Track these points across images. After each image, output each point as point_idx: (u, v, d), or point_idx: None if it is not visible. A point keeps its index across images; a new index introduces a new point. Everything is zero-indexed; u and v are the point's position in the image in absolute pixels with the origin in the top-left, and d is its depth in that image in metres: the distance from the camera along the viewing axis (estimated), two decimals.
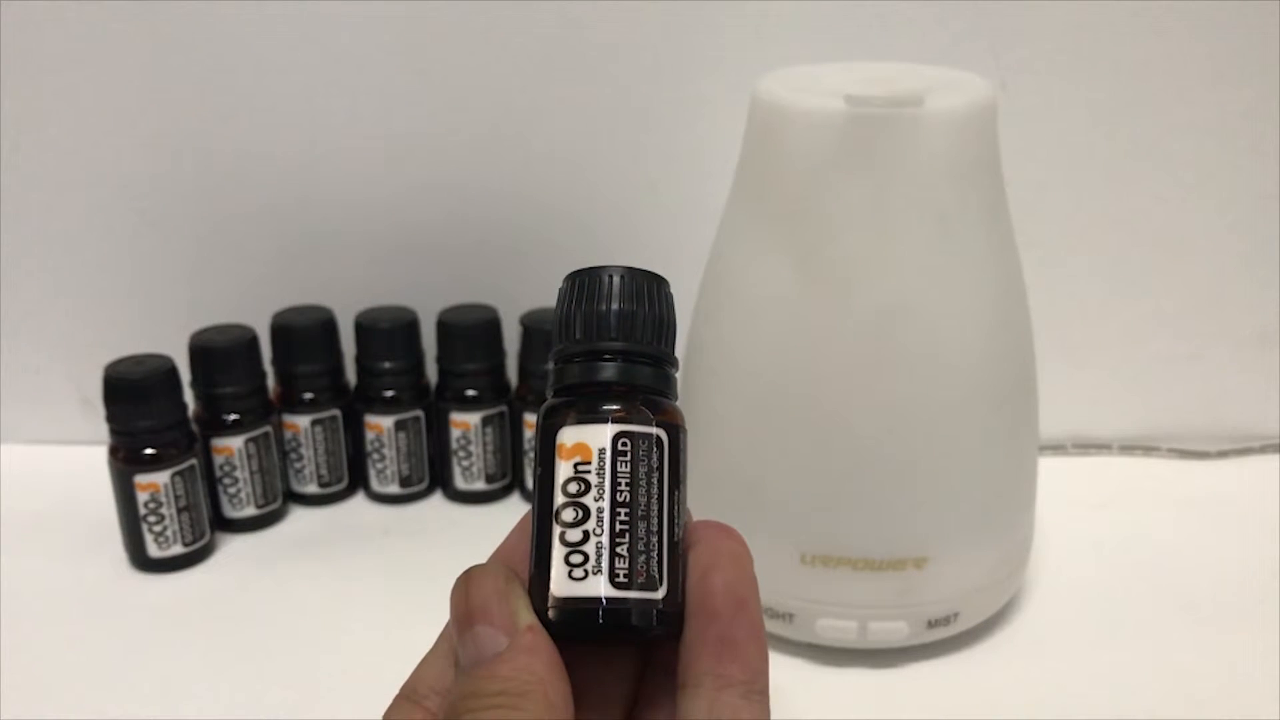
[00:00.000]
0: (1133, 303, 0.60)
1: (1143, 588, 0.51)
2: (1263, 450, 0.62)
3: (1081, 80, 0.56)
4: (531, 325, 0.55)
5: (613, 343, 0.27)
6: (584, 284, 0.28)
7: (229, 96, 0.57)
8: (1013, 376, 0.44)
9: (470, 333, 0.55)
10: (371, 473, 0.58)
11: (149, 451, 0.50)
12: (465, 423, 0.56)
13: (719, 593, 0.26)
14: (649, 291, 0.28)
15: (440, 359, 0.56)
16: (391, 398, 0.56)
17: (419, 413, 0.57)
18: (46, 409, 0.63)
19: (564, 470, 0.26)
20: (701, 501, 0.46)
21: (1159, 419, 0.62)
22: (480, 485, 0.58)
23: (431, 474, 0.59)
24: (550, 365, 0.28)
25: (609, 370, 0.27)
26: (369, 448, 0.57)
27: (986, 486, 0.44)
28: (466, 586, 0.27)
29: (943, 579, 0.44)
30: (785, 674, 0.45)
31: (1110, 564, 0.53)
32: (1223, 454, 0.61)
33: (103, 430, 0.51)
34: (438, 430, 0.57)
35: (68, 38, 0.56)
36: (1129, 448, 0.62)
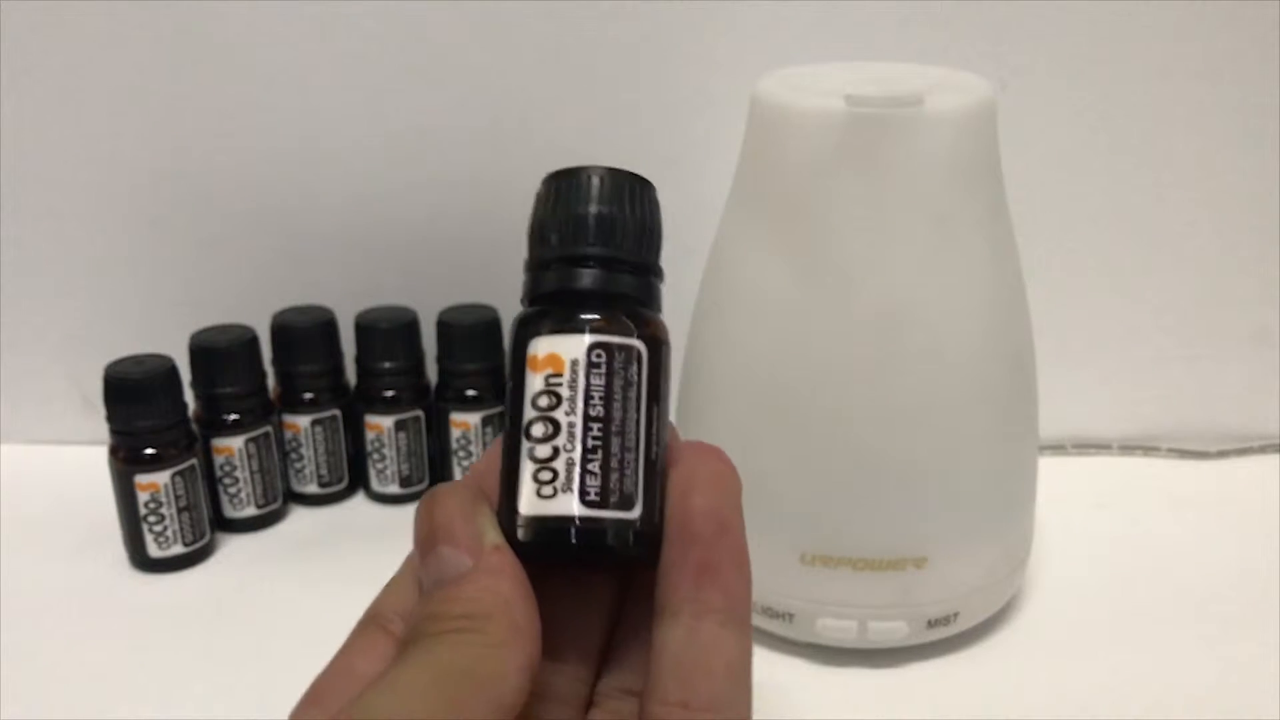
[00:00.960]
0: (1133, 303, 0.60)
1: (1142, 588, 0.51)
2: (1263, 450, 0.62)
3: (1081, 80, 0.56)
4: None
5: (592, 248, 0.26)
6: (562, 185, 0.26)
7: (229, 96, 0.57)
8: (1013, 376, 0.44)
9: (470, 333, 0.55)
10: (371, 473, 0.58)
11: (149, 451, 0.50)
12: (465, 423, 0.56)
13: (699, 515, 0.25)
14: (632, 193, 0.26)
15: (440, 359, 0.56)
16: (391, 398, 0.56)
17: (419, 413, 0.57)
18: (46, 409, 0.63)
19: (535, 383, 0.25)
20: None
21: (1159, 419, 0.62)
22: None
23: (432, 474, 0.59)
24: (525, 273, 0.27)
25: (587, 278, 0.26)
26: (369, 448, 0.57)
27: (986, 486, 0.44)
28: (430, 505, 0.26)
29: (943, 579, 0.44)
30: (785, 674, 0.45)
31: (1110, 564, 0.53)
32: (1223, 454, 0.61)
33: (103, 430, 0.51)
34: (438, 430, 0.57)
35: (68, 38, 0.56)
36: (1129, 448, 0.62)
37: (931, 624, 0.44)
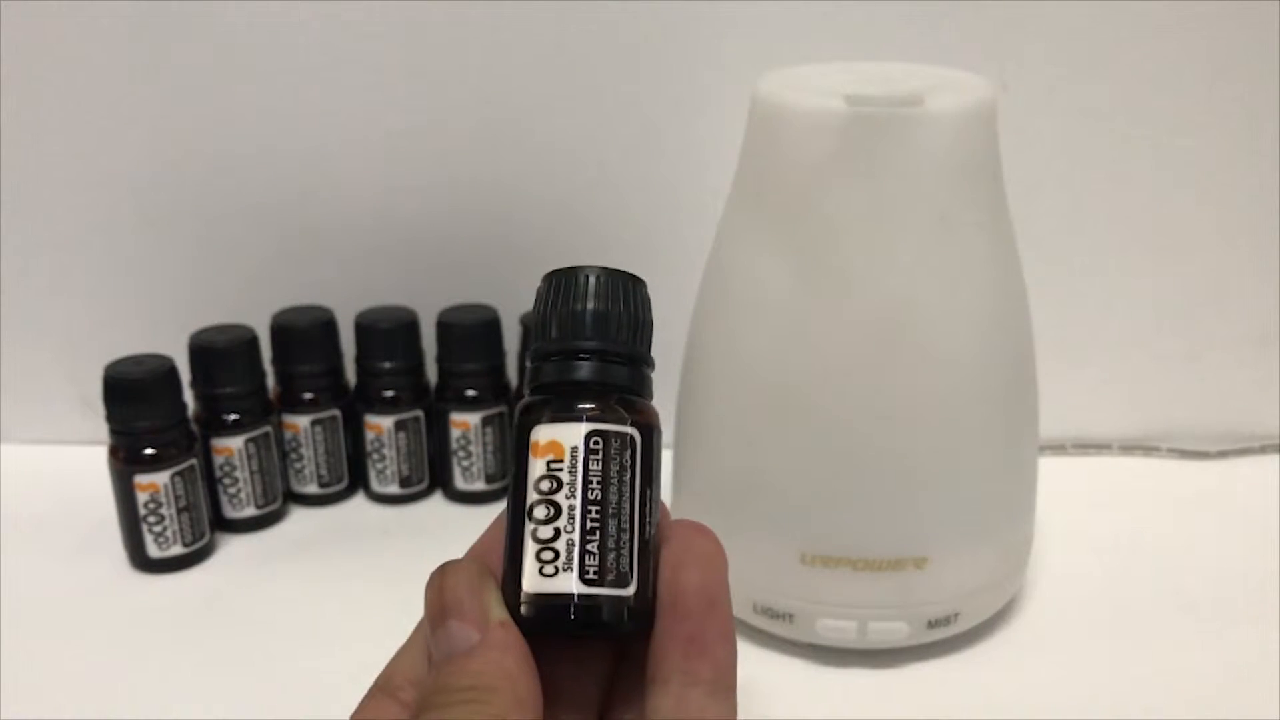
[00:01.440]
0: (1133, 303, 0.60)
1: (1143, 588, 0.51)
2: (1263, 450, 0.62)
3: (1081, 80, 0.56)
4: (531, 325, 0.55)
5: (588, 342, 0.27)
6: (561, 283, 0.28)
7: (229, 96, 0.57)
8: (1013, 376, 0.44)
9: (470, 333, 0.55)
10: (371, 473, 0.58)
11: (149, 451, 0.50)
12: (465, 423, 0.56)
13: (690, 591, 0.26)
14: (625, 292, 0.28)
15: (440, 359, 0.56)
16: (391, 398, 0.56)
17: (419, 413, 0.57)
18: (46, 409, 0.63)
19: (537, 468, 0.27)
20: (701, 501, 0.46)
21: (1159, 419, 0.62)
22: (480, 485, 0.58)
23: (431, 474, 0.59)
24: (528, 364, 0.29)
25: (584, 369, 0.27)
26: (369, 448, 0.57)
27: (986, 486, 0.44)
28: (441, 581, 0.27)
29: (943, 579, 0.44)
30: (785, 674, 0.45)
31: (1110, 564, 0.53)
32: (1223, 454, 0.61)
33: (103, 430, 0.51)
34: (438, 430, 0.57)
35: (68, 37, 0.56)
36: (1129, 448, 0.62)
37: (931, 624, 0.44)
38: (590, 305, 0.27)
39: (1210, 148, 0.57)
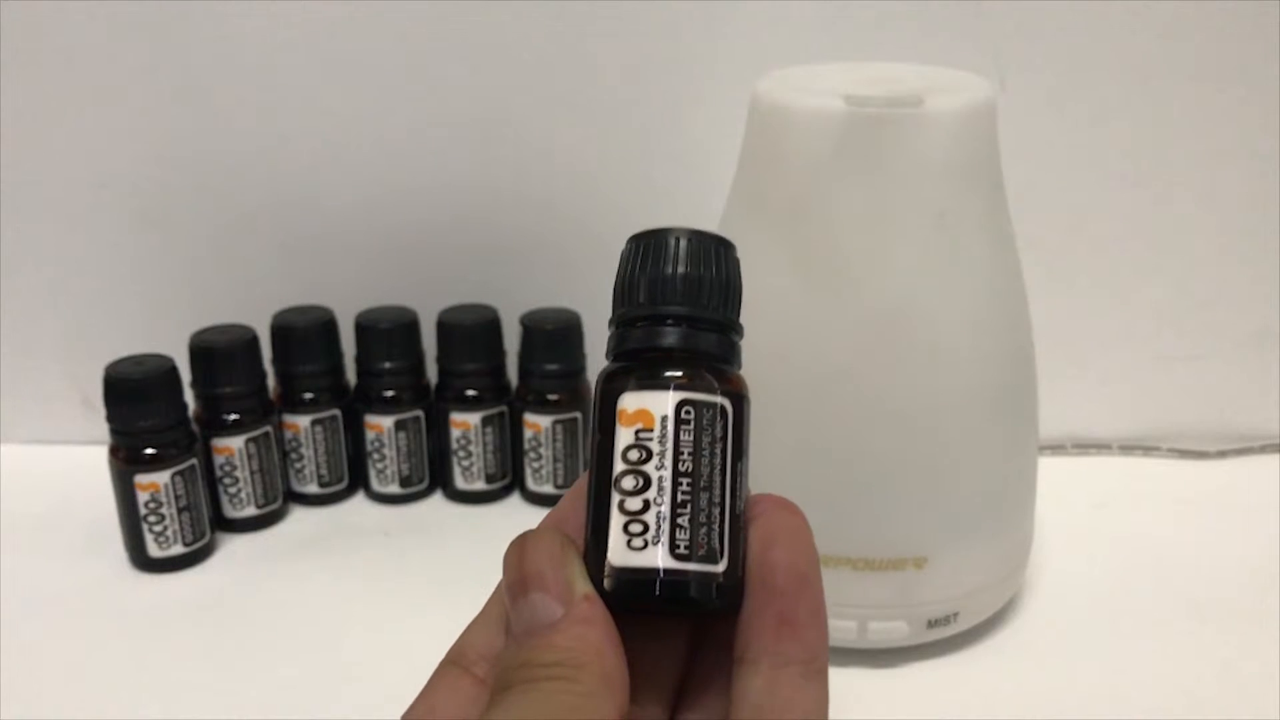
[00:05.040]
0: (1133, 303, 0.60)
1: (1143, 588, 0.51)
2: (1263, 450, 0.62)
3: (1081, 80, 0.56)
4: (531, 325, 0.55)
5: (677, 307, 0.26)
6: (648, 246, 0.27)
7: (229, 97, 0.57)
8: (1013, 376, 0.44)
9: (470, 333, 0.55)
10: (371, 473, 0.58)
11: (149, 451, 0.50)
12: (465, 423, 0.56)
13: (781, 569, 0.25)
14: (715, 255, 0.27)
15: (440, 359, 0.56)
16: (391, 398, 0.56)
17: (419, 413, 0.57)
18: (46, 409, 0.63)
19: (625, 436, 0.25)
20: None
21: (1159, 419, 0.62)
22: (480, 485, 0.58)
23: (431, 474, 0.59)
24: (611, 329, 0.27)
25: (672, 336, 0.26)
26: (369, 448, 0.57)
27: (986, 486, 0.44)
28: (522, 551, 0.26)
29: (943, 579, 0.44)
30: None
31: (1110, 564, 0.53)
32: (1223, 454, 0.61)
33: (103, 430, 0.51)
34: (438, 430, 0.57)
35: (68, 37, 0.56)
36: (1129, 448, 0.62)
37: (931, 624, 0.44)
38: (680, 269, 0.26)
39: (1210, 148, 0.57)
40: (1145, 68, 0.55)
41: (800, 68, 0.45)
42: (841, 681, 0.44)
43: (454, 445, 0.57)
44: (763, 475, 0.43)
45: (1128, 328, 0.61)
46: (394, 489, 0.58)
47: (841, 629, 0.44)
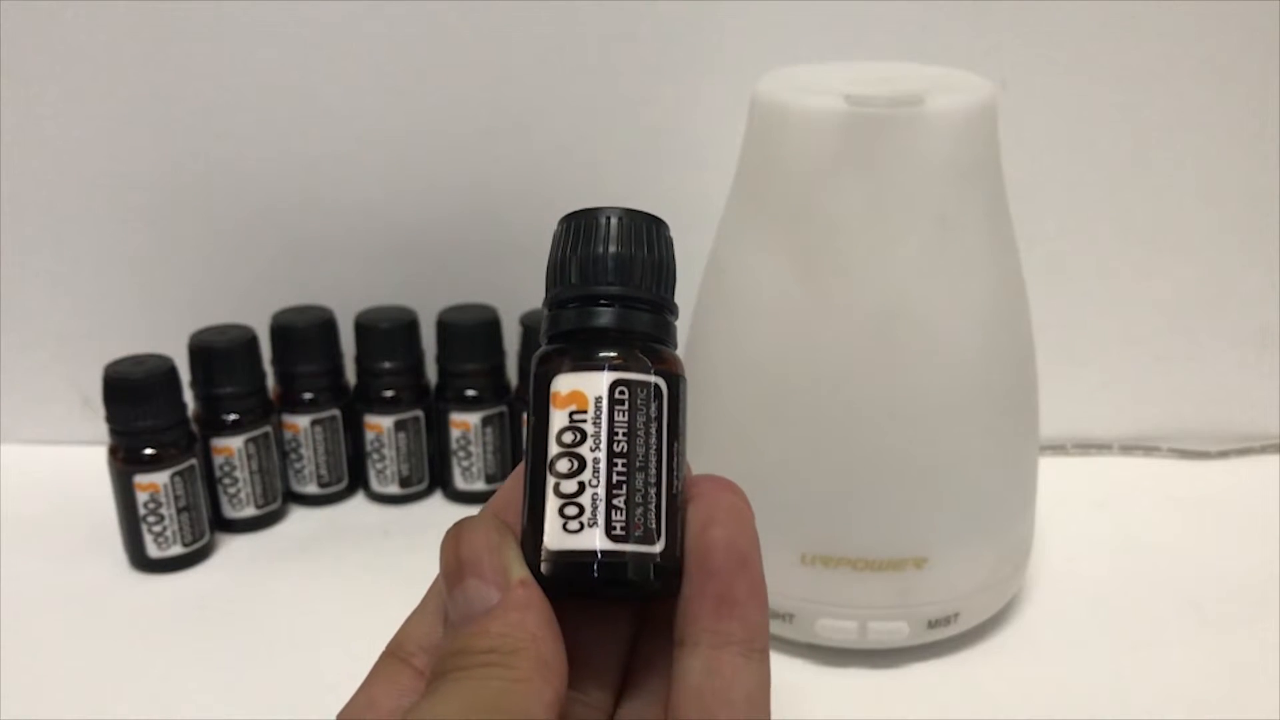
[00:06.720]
0: (1132, 303, 0.60)
1: (1143, 588, 0.51)
2: (1263, 450, 0.62)
3: (1081, 80, 0.56)
4: (531, 325, 0.55)
5: (610, 287, 0.26)
6: (579, 226, 0.27)
7: (229, 96, 0.57)
8: (1013, 376, 0.44)
9: (470, 333, 0.55)
10: (371, 473, 0.58)
11: (149, 451, 0.50)
12: (465, 423, 0.56)
13: (719, 548, 0.25)
14: (648, 234, 0.27)
15: (440, 359, 0.56)
16: (391, 398, 0.56)
17: (419, 413, 0.57)
18: (46, 409, 0.63)
19: (559, 419, 0.25)
20: None
21: (1159, 419, 0.62)
22: (480, 485, 0.58)
23: (431, 474, 0.59)
24: (545, 311, 0.27)
25: (605, 316, 0.26)
26: (369, 448, 0.57)
27: (986, 486, 0.44)
28: (457, 539, 0.26)
29: (943, 579, 0.44)
30: (785, 674, 0.45)
31: (1110, 564, 0.53)
32: (1223, 454, 0.61)
33: (103, 430, 0.51)
34: (438, 430, 0.57)
35: (68, 38, 0.56)
36: (1129, 448, 0.62)
37: (932, 624, 0.44)
38: (611, 249, 0.26)
39: (1210, 148, 0.57)
40: (1145, 68, 0.55)
41: (800, 68, 0.45)
42: (841, 681, 0.45)
43: (454, 445, 0.57)
44: (763, 475, 0.43)
45: (1127, 328, 0.61)
46: (394, 489, 0.58)
47: (841, 629, 0.44)
